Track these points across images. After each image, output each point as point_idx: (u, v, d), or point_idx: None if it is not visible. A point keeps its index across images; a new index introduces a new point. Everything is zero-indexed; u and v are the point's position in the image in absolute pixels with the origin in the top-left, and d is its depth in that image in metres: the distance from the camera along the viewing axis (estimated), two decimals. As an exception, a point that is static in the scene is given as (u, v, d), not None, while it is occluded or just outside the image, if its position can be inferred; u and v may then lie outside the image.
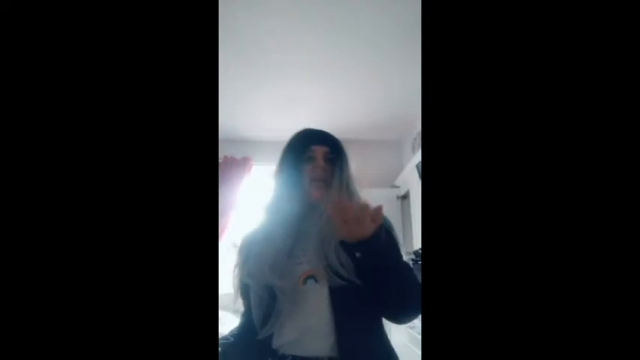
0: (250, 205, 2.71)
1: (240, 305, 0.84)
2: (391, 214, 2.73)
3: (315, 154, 0.80)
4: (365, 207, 0.61)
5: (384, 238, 0.65)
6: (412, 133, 2.71)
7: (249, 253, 0.78)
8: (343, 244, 0.69)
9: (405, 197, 2.70)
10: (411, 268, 0.78)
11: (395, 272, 0.68)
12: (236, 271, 0.80)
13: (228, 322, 1.87)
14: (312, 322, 0.71)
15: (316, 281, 0.73)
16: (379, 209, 0.62)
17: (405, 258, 2.23)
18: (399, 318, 0.76)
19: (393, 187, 2.81)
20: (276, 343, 0.72)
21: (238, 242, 0.85)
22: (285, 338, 0.71)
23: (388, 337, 0.78)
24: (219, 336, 0.77)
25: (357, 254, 0.65)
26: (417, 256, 2.13)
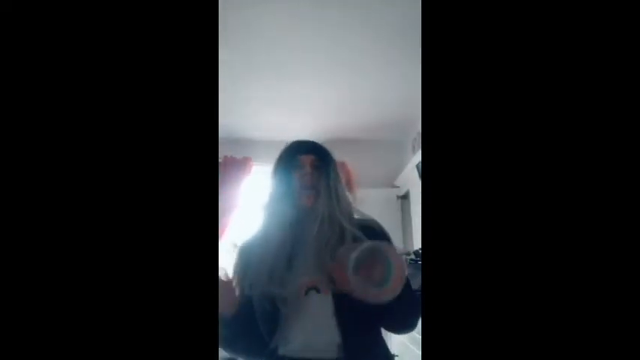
0: (250, 205, 2.71)
1: None
2: (391, 214, 2.73)
3: (302, 162, 0.83)
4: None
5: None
6: (412, 133, 2.71)
7: (248, 263, 0.79)
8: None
9: (405, 197, 2.70)
10: (407, 281, 0.80)
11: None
12: (235, 279, 0.80)
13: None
14: (316, 329, 0.72)
15: (318, 292, 0.73)
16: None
17: (405, 258, 2.22)
18: (398, 331, 0.82)
19: (393, 187, 2.81)
20: (282, 351, 0.73)
21: (239, 243, 0.85)
22: (290, 345, 0.72)
23: (387, 336, 0.80)
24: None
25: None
26: (417, 256, 2.13)
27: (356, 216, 0.83)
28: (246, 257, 0.80)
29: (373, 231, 0.80)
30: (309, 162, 0.83)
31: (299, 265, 0.77)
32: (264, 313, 0.74)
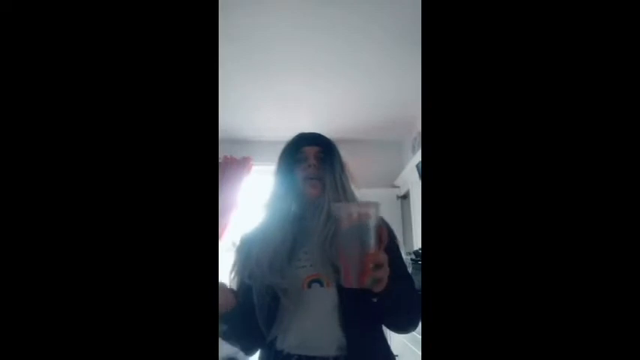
0: (250, 205, 2.71)
1: None
2: (391, 214, 2.73)
3: (306, 154, 0.82)
4: (377, 258, 0.58)
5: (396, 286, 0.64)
6: (412, 133, 2.71)
7: (249, 253, 0.78)
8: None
9: (405, 197, 2.70)
10: (411, 280, 0.79)
11: (400, 288, 0.71)
12: (234, 270, 0.80)
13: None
14: (317, 323, 0.71)
15: (321, 285, 0.72)
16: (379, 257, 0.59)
17: (405, 258, 2.24)
18: (400, 330, 0.79)
19: (393, 187, 2.81)
20: (280, 344, 0.72)
21: (238, 241, 0.85)
22: (290, 340, 0.71)
23: (388, 335, 0.80)
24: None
25: (374, 299, 0.64)
26: (417, 256, 2.13)
27: None
28: (247, 248, 0.80)
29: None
30: (313, 153, 0.82)
31: (303, 258, 0.76)
32: (263, 304, 0.73)
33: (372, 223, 0.57)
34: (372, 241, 0.57)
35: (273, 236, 0.76)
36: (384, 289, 0.60)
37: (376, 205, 0.58)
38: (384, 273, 0.58)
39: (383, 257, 0.58)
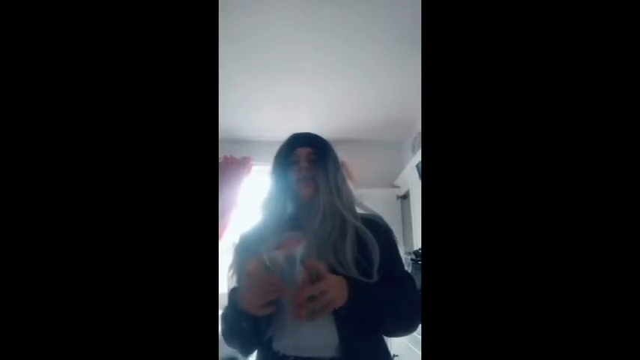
0: (250, 205, 2.72)
1: None
2: (391, 214, 2.73)
3: (298, 156, 0.82)
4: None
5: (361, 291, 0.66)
6: (412, 133, 2.71)
7: (247, 254, 0.78)
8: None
9: (405, 197, 2.70)
10: (411, 279, 0.79)
11: (397, 290, 0.72)
12: (233, 269, 0.80)
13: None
14: (313, 325, 0.70)
15: None
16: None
17: (405, 258, 2.22)
18: (401, 332, 0.79)
19: (393, 187, 2.81)
20: (277, 345, 0.72)
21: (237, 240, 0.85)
22: (286, 340, 0.71)
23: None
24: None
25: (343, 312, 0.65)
26: (417, 256, 2.13)
27: (359, 210, 0.82)
28: (245, 247, 0.80)
29: (377, 226, 0.79)
30: (304, 155, 0.82)
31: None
32: None
33: (298, 256, 0.60)
34: (299, 274, 0.60)
35: (269, 239, 0.76)
36: (345, 304, 0.63)
37: (302, 239, 0.61)
38: (320, 303, 0.60)
39: (316, 288, 0.60)
